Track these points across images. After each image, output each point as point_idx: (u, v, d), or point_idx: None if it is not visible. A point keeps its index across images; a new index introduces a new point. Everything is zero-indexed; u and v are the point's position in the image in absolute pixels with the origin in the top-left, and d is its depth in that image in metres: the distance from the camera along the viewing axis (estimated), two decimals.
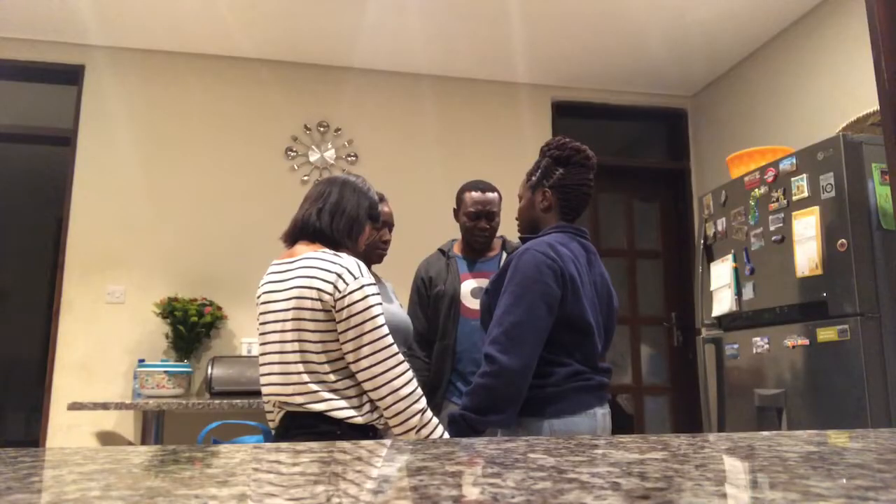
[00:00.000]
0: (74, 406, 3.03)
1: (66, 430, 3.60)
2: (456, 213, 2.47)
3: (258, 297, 1.75)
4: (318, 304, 1.60)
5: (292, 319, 1.62)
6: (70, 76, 4.00)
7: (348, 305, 1.59)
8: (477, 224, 2.38)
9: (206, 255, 3.93)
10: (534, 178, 1.86)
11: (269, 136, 4.13)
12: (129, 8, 3.62)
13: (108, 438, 3.65)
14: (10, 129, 4.13)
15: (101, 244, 3.82)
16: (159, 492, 0.48)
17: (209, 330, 3.74)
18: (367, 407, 1.64)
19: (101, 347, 3.72)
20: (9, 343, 5.83)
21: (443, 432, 1.64)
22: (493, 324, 1.66)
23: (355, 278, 1.61)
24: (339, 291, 1.59)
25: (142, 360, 3.62)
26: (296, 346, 1.61)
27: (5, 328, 5.86)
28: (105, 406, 3.06)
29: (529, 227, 1.88)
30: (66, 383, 3.65)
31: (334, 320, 1.61)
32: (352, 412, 1.60)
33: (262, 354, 1.69)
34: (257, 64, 4.19)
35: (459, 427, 1.60)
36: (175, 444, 1.51)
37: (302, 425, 1.60)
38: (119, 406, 3.07)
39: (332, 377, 1.61)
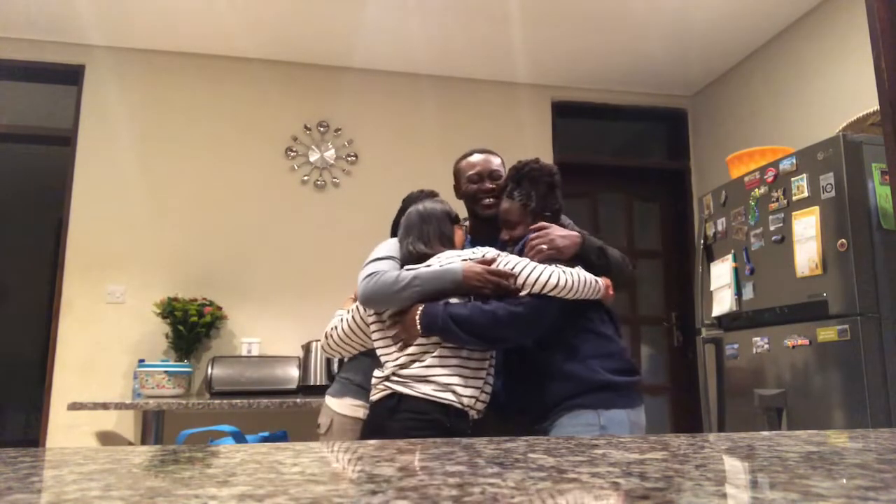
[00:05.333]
0: (74, 406, 3.03)
1: (66, 430, 3.59)
2: (456, 188, 2.20)
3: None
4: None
5: None
6: (70, 76, 4.00)
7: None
8: (481, 186, 2.10)
9: (206, 255, 3.93)
10: (531, 205, 1.93)
11: (269, 136, 4.13)
12: (129, 8, 3.62)
13: (108, 438, 3.65)
14: (10, 129, 4.12)
15: (101, 244, 3.82)
16: (159, 492, 0.48)
17: (209, 330, 3.74)
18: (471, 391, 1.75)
19: (101, 347, 3.71)
20: (9, 343, 5.82)
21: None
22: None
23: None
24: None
25: (142, 360, 3.61)
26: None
27: (5, 328, 5.85)
28: (105, 406, 3.05)
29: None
30: (66, 383, 3.65)
31: None
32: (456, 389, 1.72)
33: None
34: (257, 64, 4.18)
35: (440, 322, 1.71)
36: (175, 444, 1.51)
37: (411, 409, 1.71)
38: (119, 406, 3.07)
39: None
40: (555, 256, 1.82)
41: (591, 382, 1.74)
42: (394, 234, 2.19)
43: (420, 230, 1.93)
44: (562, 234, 1.87)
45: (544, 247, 1.83)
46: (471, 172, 2.12)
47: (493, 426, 1.83)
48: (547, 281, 1.73)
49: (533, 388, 1.81)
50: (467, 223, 2.20)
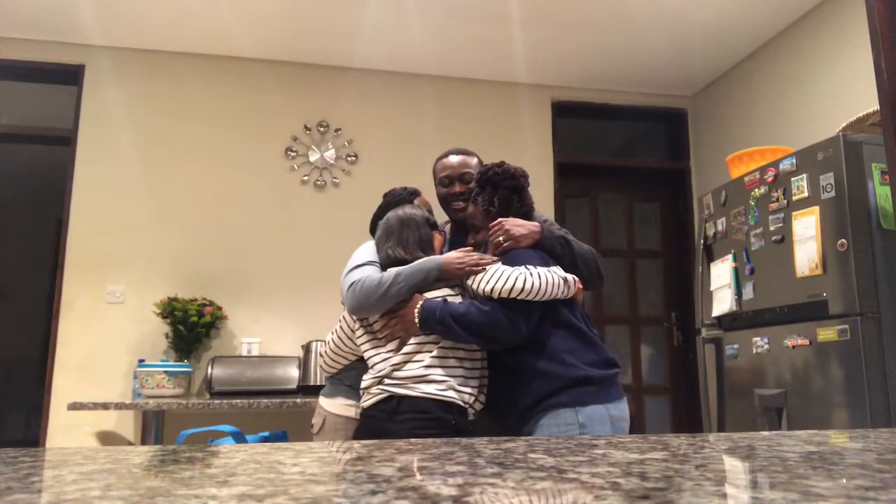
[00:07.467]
0: (74, 406, 3.03)
1: (66, 430, 3.59)
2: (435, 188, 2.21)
3: None
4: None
5: None
6: (70, 76, 4.00)
7: None
8: (451, 190, 2.10)
9: (206, 255, 3.93)
10: (493, 210, 1.92)
11: (269, 136, 4.13)
12: (129, 8, 3.62)
13: (108, 438, 3.65)
14: (11, 129, 4.13)
15: (101, 244, 3.82)
16: (159, 492, 0.48)
17: (209, 330, 3.74)
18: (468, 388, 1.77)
19: (101, 347, 3.71)
20: (9, 343, 5.82)
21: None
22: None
23: None
24: None
25: (142, 360, 3.61)
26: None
27: (5, 328, 5.85)
28: (105, 406, 3.05)
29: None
30: (66, 383, 3.65)
31: None
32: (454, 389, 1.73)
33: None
34: (257, 64, 4.18)
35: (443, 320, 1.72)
36: (175, 444, 1.52)
37: (414, 408, 1.70)
38: (119, 406, 3.07)
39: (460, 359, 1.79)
40: (513, 246, 1.83)
41: (567, 378, 1.71)
42: (373, 231, 2.19)
43: (400, 235, 1.92)
44: (518, 223, 1.87)
45: (501, 239, 1.85)
46: (442, 175, 2.13)
47: (479, 429, 1.84)
48: (513, 286, 1.70)
49: (509, 389, 1.78)
50: (447, 226, 2.22)
